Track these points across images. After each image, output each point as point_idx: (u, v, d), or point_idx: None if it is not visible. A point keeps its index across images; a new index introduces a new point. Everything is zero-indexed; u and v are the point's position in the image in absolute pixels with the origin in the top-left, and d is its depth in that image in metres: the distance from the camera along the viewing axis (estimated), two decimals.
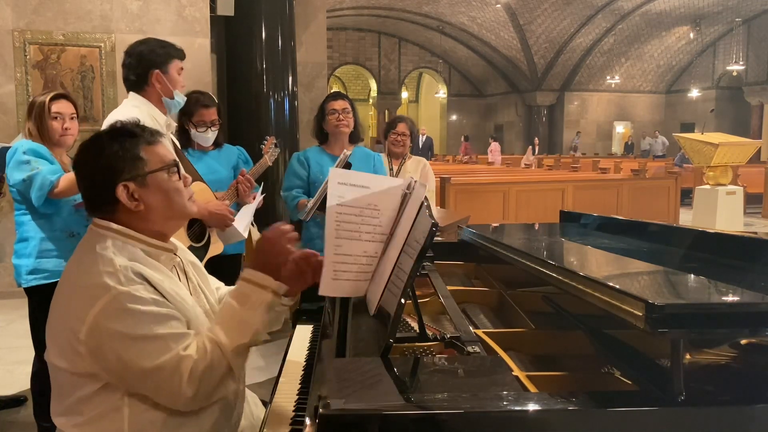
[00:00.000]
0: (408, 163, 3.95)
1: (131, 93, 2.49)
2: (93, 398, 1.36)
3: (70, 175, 2.57)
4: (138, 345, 1.31)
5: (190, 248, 2.53)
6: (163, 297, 1.38)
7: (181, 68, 2.51)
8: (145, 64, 2.42)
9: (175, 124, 2.61)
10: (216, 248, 2.83)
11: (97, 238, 1.42)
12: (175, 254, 1.54)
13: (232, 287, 1.54)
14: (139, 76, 2.44)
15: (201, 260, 2.63)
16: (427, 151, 15.67)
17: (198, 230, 2.71)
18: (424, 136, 16.48)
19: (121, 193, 1.41)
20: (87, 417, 1.37)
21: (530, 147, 19.16)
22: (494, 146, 18.64)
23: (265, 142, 3.15)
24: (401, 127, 3.93)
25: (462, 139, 21.05)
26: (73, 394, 1.37)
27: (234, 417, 1.53)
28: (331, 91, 3.75)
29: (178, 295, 1.43)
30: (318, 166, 3.24)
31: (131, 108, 2.41)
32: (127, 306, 1.31)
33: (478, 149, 24.96)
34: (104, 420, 1.36)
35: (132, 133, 1.46)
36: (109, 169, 1.41)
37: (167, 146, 1.52)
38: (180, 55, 2.52)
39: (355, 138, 3.34)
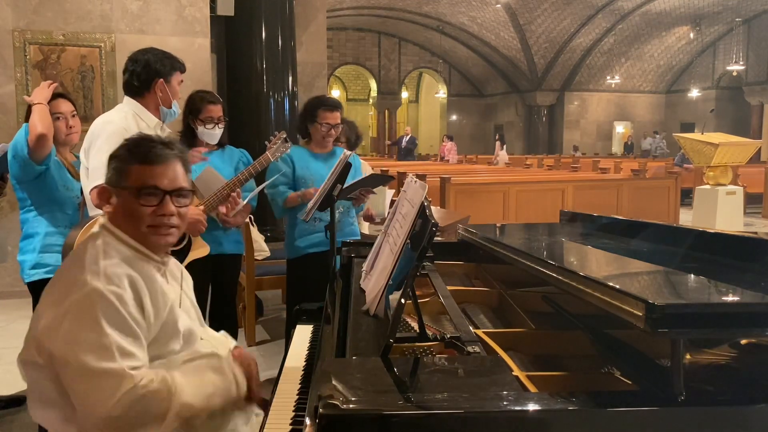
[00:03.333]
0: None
1: (127, 98, 2.54)
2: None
3: (33, 116, 2.58)
4: (90, 340, 1.33)
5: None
6: (142, 311, 1.42)
7: (181, 81, 2.59)
8: (152, 72, 2.49)
9: (169, 131, 2.64)
10: (201, 251, 2.77)
11: (94, 236, 1.49)
12: (163, 265, 1.57)
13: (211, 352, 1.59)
14: (143, 83, 2.50)
15: (181, 263, 2.60)
16: (409, 148, 15.87)
17: None
18: (408, 136, 16.71)
19: (94, 192, 1.54)
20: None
21: (498, 143, 18.90)
22: (450, 145, 18.83)
23: (272, 137, 3.11)
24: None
25: (501, 139, 20.91)
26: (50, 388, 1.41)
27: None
28: (327, 94, 3.64)
29: (165, 296, 1.49)
30: (303, 164, 3.23)
31: (117, 112, 2.48)
32: (96, 302, 1.35)
33: (478, 149, 24.98)
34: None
35: (137, 150, 1.53)
36: (108, 170, 1.54)
37: (168, 171, 1.53)
38: (182, 68, 2.59)
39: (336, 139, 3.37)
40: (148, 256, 1.52)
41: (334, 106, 3.27)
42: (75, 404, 1.36)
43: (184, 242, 2.69)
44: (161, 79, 2.50)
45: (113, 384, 1.31)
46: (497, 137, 18.79)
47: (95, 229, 1.51)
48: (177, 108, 2.61)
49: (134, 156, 1.51)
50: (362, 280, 1.84)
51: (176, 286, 1.63)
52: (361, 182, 3.05)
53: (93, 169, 2.34)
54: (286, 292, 3.57)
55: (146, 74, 2.49)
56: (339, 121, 3.25)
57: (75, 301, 1.36)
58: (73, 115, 2.81)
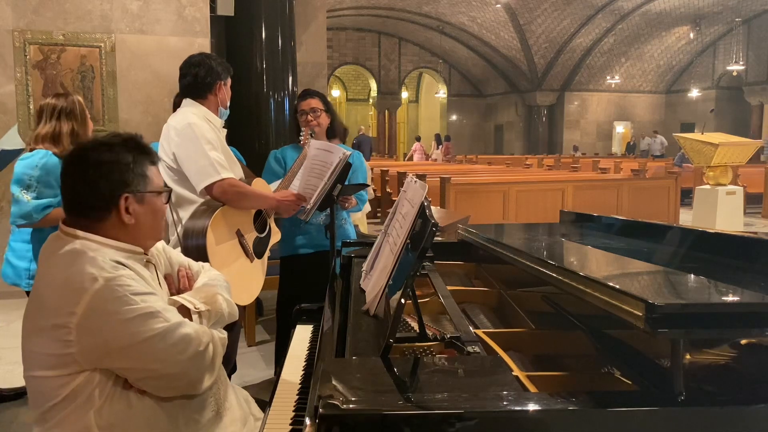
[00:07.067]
0: None
1: (189, 100, 2.66)
2: (63, 402, 1.37)
3: (54, 214, 2.62)
4: (136, 321, 1.35)
5: (257, 239, 2.66)
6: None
7: (230, 83, 2.77)
8: (215, 75, 2.65)
9: (225, 131, 2.78)
10: (276, 237, 2.88)
11: (66, 241, 1.43)
12: (145, 254, 1.56)
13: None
14: (207, 86, 2.65)
15: (266, 248, 2.75)
16: (357, 148, 16.19)
17: (261, 221, 2.74)
18: (360, 134, 17.25)
19: (122, 204, 1.45)
20: (55, 420, 1.38)
21: (434, 143, 19.88)
22: (417, 146, 19.57)
23: (302, 136, 3.09)
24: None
25: (437, 139, 21.39)
26: (47, 403, 1.38)
27: (207, 414, 1.54)
28: (326, 94, 3.52)
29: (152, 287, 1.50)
30: (291, 163, 3.18)
31: (191, 114, 2.58)
32: (118, 290, 1.35)
33: (478, 149, 24.99)
34: (70, 420, 1.37)
35: (145, 149, 1.51)
36: (117, 178, 1.45)
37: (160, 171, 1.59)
38: (232, 71, 2.78)
39: (333, 134, 3.21)
40: (132, 251, 1.50)
41: (306, 93, 3.22)
42: (146, 385, 1.40)
43: (267, 229, 2.77)
44: (222, 82, 2.68)
45: (177, 338, 1.38)
46: (435, 137, 20.54)
47: (68, 247, 1.41)
48: (228, 109, 2.78)
49: (146, 158, 1.50)
50: (362, 280, 1.84)
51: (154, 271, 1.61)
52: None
53: (204, 167, 2.46)
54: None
55: (210, 77, 2.64)
56: (315, 107, 3.11)
57: (96, 296, 1.33)
58: None
